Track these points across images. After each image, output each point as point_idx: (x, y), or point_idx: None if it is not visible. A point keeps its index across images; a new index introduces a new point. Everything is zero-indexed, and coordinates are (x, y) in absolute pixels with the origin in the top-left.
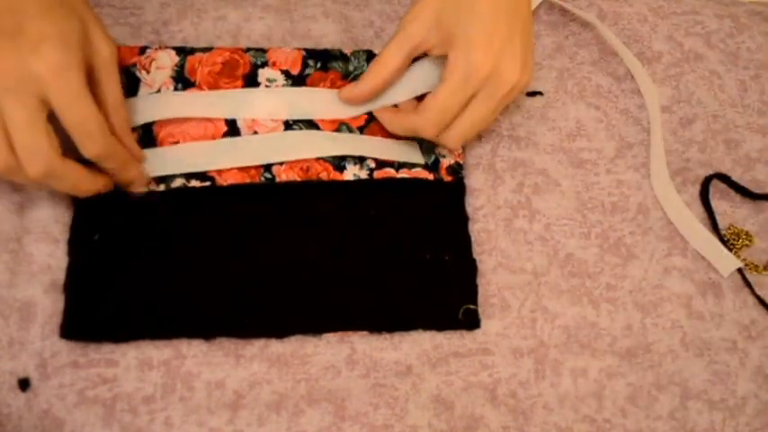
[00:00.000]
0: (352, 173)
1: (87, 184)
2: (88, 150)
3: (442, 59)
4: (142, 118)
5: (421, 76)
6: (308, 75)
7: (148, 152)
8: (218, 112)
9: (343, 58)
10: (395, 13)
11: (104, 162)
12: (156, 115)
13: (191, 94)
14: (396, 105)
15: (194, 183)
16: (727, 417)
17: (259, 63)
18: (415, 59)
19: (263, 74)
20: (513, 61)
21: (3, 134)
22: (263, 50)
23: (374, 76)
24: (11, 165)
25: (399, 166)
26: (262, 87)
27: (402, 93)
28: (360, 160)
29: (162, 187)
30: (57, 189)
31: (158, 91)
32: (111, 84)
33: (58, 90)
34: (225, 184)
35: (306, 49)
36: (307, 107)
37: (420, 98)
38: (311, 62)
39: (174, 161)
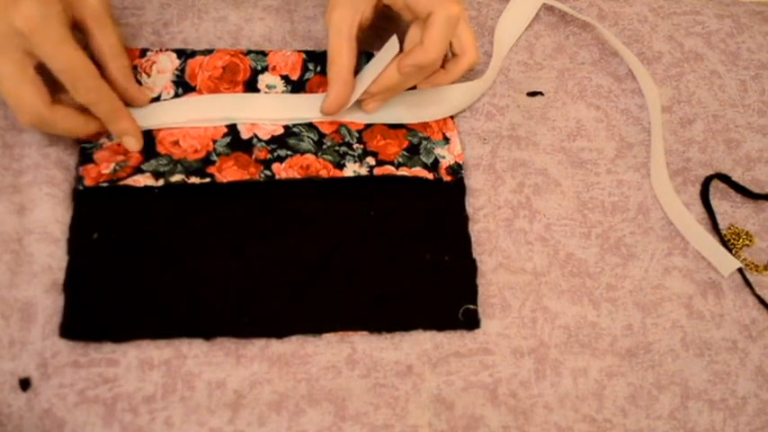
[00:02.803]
0: (351, 170)
1: (79, 128)
2: (77, 95)
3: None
4: (144, 124)
5: (375, 61)
6: (307, 79)
7: (150, 107)
8: (217, 113)
9: None
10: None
11: (95, 107)
12: (155, 122)
13: (190, 99)
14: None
15: (193, 179)
16: (728, 416)
17: (259, 68)
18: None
19: (263, 79)
20: None
21: None
22: (264, 53)
23: (335, 73)
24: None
25: (399, 164)
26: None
27: (367, 76)
28: (359, 158)
29: (161, 182)
30: (52, 133)
31: (159, 96)
32: (104, 32)
33: (39, 41)
34: (224, 181)
35: (306, 52)
36: (305, 111)
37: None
38: (311, 65)
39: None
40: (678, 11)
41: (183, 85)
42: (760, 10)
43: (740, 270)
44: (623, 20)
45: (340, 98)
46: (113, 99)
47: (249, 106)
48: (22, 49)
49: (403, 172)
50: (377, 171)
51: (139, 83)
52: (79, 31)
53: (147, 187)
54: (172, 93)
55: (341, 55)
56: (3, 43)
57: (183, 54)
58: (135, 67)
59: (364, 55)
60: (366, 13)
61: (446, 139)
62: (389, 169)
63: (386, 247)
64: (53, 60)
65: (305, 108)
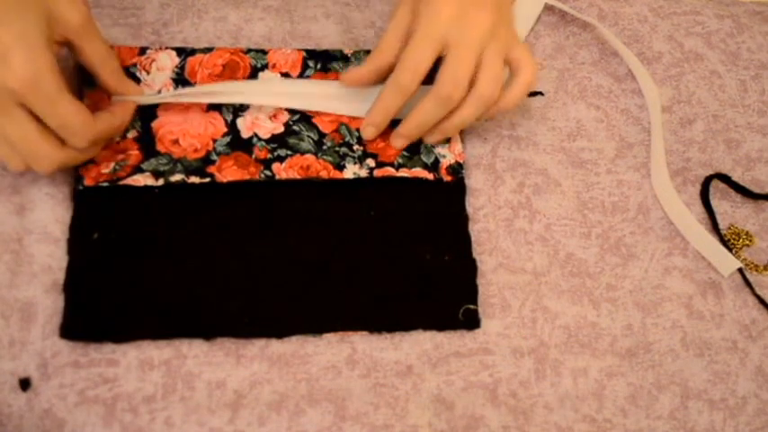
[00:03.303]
0: (352, 171)
1: (94, 151)
2: (75, 145)
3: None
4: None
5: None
6: (307, 76)
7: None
8: (218, 97)
9: (343, 58)
10: None
11: (95, 148)
12: (155, 100)
13: (191, 88)
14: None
15: (193, 179)
16: (728, 416)
17: (259, 65)
18: None
19: (263, 77)
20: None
21: (8, 146)
22: (264, 52)
23: (377, 60)
24: (27, 166)
25: (399, 165)
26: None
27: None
28: (359, 160)
29: (161, 182)
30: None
31: (158, 92)
32: (90, 44)
33: (33, 100)
34: (224, 181)
35: (306, 50)
36: (306, 98)
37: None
38: (311, 63)
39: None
40: (678, 11)
41: (183, 82)
42: (760, 10)
43: (740, 270)
44: (623, 20)
45: (368, 71)
46: (109, 131)
47: (258, 86)
48: (20, 104)
49: (403, 173)
50: (377, 173)
51: (138, 80)
52: (66, 47)
53: (146, 187)
54: (171, 89)
55: (390, 45)
56: (1, 103)
57: (183, 52)
58: (135, 65)
59: (366, 54)
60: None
61: (446, 138)
62: (389, 171)
63: (386, 247)
64: (49, 117)
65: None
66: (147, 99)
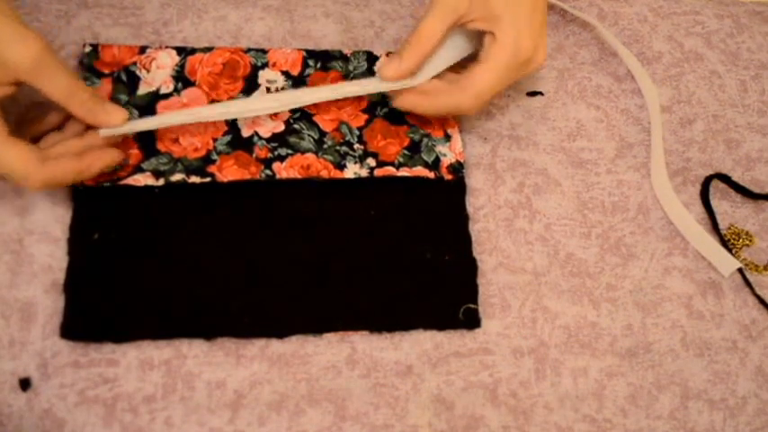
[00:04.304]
0: (352, 171)
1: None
2: (29, 189)
3: (468, 30)
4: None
5: (450, 48)
6: (308, 75)
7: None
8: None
9: (343, 58)
10: (395, 12)
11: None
12: (155, 123)
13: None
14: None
15: (194, 179)
16: (728, 416)
17: (259, 64)
18: None
19: (264, 75)
20: (544, 44)
21: None
22: (264, 51)
23: (417, 50)
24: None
25: (399, 164)
26: (261, 90)
27: (432, 68)
28: (360, 159)
29: (161, 181)
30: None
31: (158, 89)
32: (50, 83)
33: None
34: (225, 180)
35: (306, 50)
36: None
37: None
38: (311, 62)
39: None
40: (678, 11)
41: (183, 80)
42: (760, 10)
43: (740, 270)
44: (623, 20)
45: (411, 66)
46: (68, 169)
47: (250, 108)
48: None
49: (404, 172)
50: (377, 172)
51: (139, 78)
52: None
53: (147, 187)
54: (171, 87)
55: (436, 31)
56: None
57: (183, 51)
58: (134, 63)
59: (366, 54)
60: (462, 18)
61: (447, 137)
62: (390, 170)
63: (386, 247)
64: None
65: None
66: (131, 128)
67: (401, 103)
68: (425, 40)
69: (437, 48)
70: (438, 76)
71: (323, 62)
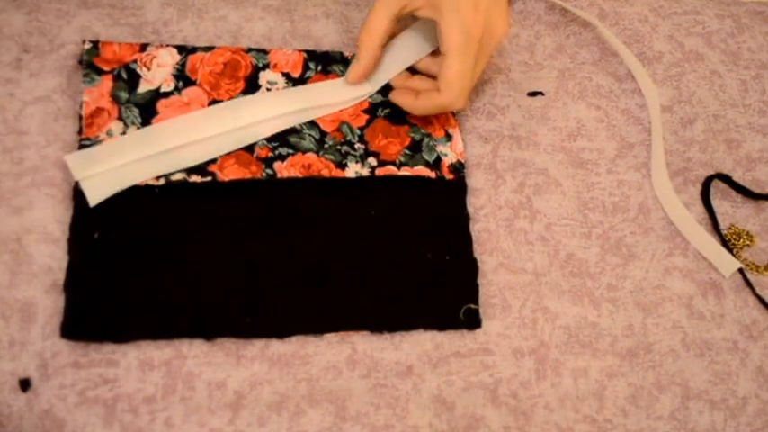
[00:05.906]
0: (353, 170)
1: None
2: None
3: (424, 25)
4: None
5: (410, 45)
6: (308, 77)
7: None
8: (221, 123)
9: (343, 61)
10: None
11: None
12: (161, 141)
13: (192, 114)
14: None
15: (195, 178)
16: (728, 417)
17: (260, 65)
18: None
19: (264, 76)
20: (499, 16)
21: None
22: (265, 52)
23: (368, 45)
24: None
25: (401, 163)
26: (262, 90)
27: (396, 65)
28: (361, 158)
29: (162, 181)
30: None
31: (159, 88)
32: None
33: None
34: (226, 180)
35: (306, 51)
36: (307, 101)
37: (411, 70)
38: (312, 65)
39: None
40: (679, 11)
41: (184, 79)
42: (760, 10)
43: (741, 270)
44: (624, 20)
45: (365, 64)
46: None
47: (251, 109)
48: None
49: (405, 172)
50: (378, 172)
51: (139, 76)
52: None
53: (147, 186)
54: (172, 85)
55: (381, 23)
56: None
57: (184, 50)
58: (135, 61)
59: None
60: (407, 8)
61: (448, 136)
62: (391, 170)
63: (387, 247)
64: None
65: (307, 98)
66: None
67: (395, 97)
68: (374, 33)
69: (385, 39)
70: (429, 76)
71: (323, 64)
